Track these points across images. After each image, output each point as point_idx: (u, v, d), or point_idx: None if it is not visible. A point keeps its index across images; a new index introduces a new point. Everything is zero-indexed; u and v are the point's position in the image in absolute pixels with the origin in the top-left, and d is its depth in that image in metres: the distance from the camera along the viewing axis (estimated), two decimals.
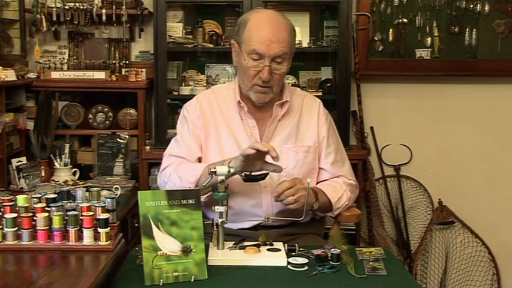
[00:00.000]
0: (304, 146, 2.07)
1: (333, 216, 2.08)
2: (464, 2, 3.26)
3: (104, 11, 3.13)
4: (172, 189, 1.93)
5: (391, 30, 3.29)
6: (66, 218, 1.64)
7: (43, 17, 3.12)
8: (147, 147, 3.09)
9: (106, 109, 3.19)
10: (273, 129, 2.05)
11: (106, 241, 1.62)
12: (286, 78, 3.17)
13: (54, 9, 3.12)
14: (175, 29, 3.19)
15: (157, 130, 3.13)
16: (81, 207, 1.66)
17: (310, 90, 3.07)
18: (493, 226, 3.43)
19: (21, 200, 1.70)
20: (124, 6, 3.12)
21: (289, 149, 2.04)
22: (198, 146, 2.04)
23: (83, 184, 2.86)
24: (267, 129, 2.05)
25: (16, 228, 1.63)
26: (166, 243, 1.56)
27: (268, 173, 1.90)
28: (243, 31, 1.97)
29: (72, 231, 1.62)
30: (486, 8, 3.26)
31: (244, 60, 1.95)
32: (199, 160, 2.04)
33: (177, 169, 1.98)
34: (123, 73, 3.23)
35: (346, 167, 2.15)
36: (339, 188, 2.06)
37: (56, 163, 2.95)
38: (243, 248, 1.76)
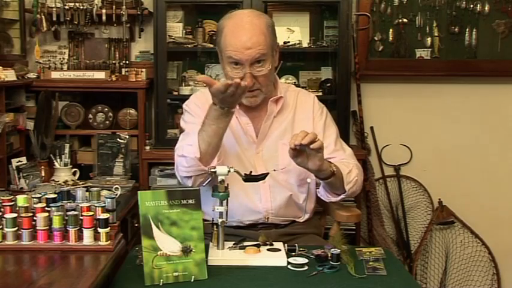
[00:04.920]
0: None
1: (344, 195, 2.01)
2: (464, 2, 3.26)
3: (104, 11, 3.12)
4: (185, 171, 1.91)
5: (391, 30, 3.29)
6: (66, 218, 1.64)
7: (43, 17, 3.11)
8: (147, 147, 3.09)
9: (106, 109, 3.19)
10: (268, 125, 2.06)
11: (106, 241, 1.62)
12: (286, 78, 3.20)
13: (54, 9, 3.12)
14: (175, 29, 3.19)
15: (157, 130, 3.13)
16: (81, 207, 1.66)
17: (310, 90, 3.06)
18: (493, 226, 3.42)
19: (21, 200, 1.70)
20: (124, 6, 3.12)
21: (285, 145, 2.04)
22: None
23: (83, 184, 2.86)
24: (262, 125, 2.05)
25: (16, 228, 1.63)
26: (166, 243, 1.56)
27: (268, 173, 1.90)
28: (220, 40, 1.98)
29: (72, 231, 1.62)
30: (486, 8, 3.26)
31: (226, 69, 1.97)
32: None
33: (178, 151, 1.97)
34: (123, 73, 3.23)
35: (348, 153, 2.12)
36: (346, 164, 2.03)
37: (56, 163, 2.95)
38: (243, 248, 1.76)
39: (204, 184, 1.88)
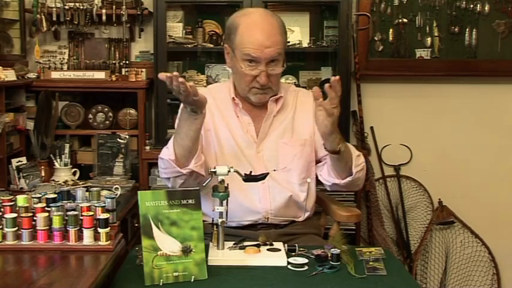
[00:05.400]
0: (300, 139, 2.07)
1: (351, 178, 1.98)
2: (464, 2, 3.26)
3: (104, 11, 3.12)
4: (163, 173, 1.95)
5: (391, 30, 3.29)
6: (66, 218, 1.64)
7: (43, 17, 3.12)
8: (147, 147, 3.09)
9: (106, 109, 3.19)
10: (268, 125, 2.06)
11: (106, 241, 1.62)
12: (286, 78, 3.20)
13: (54, 9, 3.12)
14: (175, 29, 3.19)
15: (157, 130, 3.13)
16: (81, 207, 1.66)
17: (310, 90, 3.06)
18: (493, 226, 3.42)
19: (21, 200, 1.70)
20: (124, 6, 3.12)
21: (285, 144, 2.05)
22: None
23: (83, 184, 2.85)
24: (262, 125, 2.06)
25: (16, 228, 1.63)
26: (166, 243, 1.56)
27: (268, 173, 1.90)
28: (235, 37, 1.97)
29: (72, 231, 1.62)
30: (486, 8, 3.26)
31: (241, 67, 1.96)
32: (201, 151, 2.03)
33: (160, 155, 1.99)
34: (123, 73, 3.23)
35: (350, 146, 2.09)
36: (354, 149, 2.04)
37: (56, 163, 2.95)
38: (243, 248, 1.76)
39: (204, 184, 1.88)
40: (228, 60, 2.07)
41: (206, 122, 2.04)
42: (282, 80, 3.12)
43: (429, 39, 3.29)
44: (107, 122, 3.19)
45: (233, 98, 2.05)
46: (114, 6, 3.13)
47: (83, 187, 2.10)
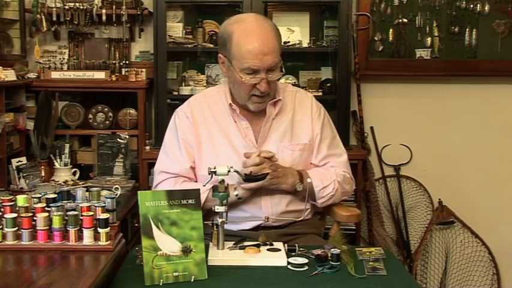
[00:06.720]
0: (300, 144, 2.07)
1: (318, 205, 2.07)
2: (464, 2, 3.26)
3: (104, 11, 3.13)
4: (159, 185, 2.02)
5: (391, 30, 3.29)
6: (66, 218, 1.64)
7: (43, 17, 3.12)
8: (147, 147, 3.09)
9: (106, 109, 3.19)
10: (267, 128, 2.05)
11: (106, 241, 1.62)
12: (286, 78, 3.20)
13: (54, 9, 3.12)
14: (175, 29, 3.19)
15: (157, 130, 3.13)
16: (81, 207, 1.66)
17: (310, 90, 3.07)
18: (493, 226, 3.43)
19: (21, 200, 1.70)
20: (124, 6, 3.12)
21: (285, 148, 2.04)
22: (188, 155, 2.03)
23: (83, 184, 2.86)
24: (261, 129, 2.04)
25: (16, 228, 1.63)
26: (166, 243, 1.56)
27: (268, 173, 1.90)
28: (231, 46, 1.93)
29: (72, 231, 1.62)
30: (486, 8, 3.26)
31: (240, 77, 1.92)
32: (193, 169, 2.04)
33: (169, 182, 2.03)
34: (123, 73, 3.23)
35: (341, 160, 2.13)
36: (328, 177, 2.04)
37: (56, 163, 2.95)
38: (243, 248, 1.76)
39: (204, 184, 1.87)
40: (223, 69, 2.03)
41: (198, 134, 2.03)
42: (282, 80, 3.12)
43: (429, 39, 3.29)
44: (107, 122, 3.19)
45: (230, 104, 2.03)
46: (114, 6, 3.13)
47: (83, 187, 2.10)
